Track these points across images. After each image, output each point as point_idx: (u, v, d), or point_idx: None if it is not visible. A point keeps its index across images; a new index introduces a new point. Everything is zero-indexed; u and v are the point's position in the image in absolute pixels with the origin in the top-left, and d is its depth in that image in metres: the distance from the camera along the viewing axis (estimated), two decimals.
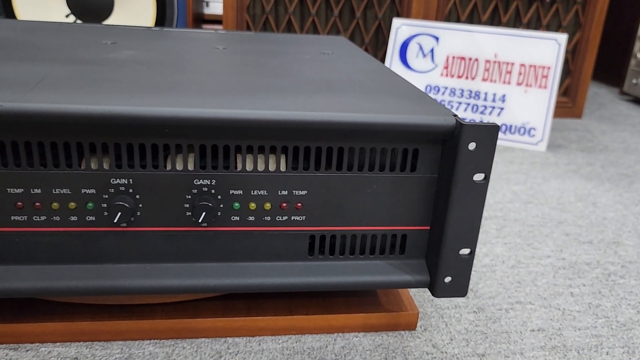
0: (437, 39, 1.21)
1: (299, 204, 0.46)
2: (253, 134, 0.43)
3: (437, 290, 0.48)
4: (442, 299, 0.60)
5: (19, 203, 0.42)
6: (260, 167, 0.44)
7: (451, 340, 0.53)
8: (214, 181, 0.44)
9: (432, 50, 1.22)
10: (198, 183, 0.44)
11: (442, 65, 1.22)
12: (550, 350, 0.52)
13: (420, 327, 0.55)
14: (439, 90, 1.23)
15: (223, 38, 0.79)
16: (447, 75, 1.22)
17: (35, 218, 0.43)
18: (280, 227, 0.47)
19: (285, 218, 0.47)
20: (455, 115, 0.44)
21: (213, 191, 0.44)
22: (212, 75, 0.52)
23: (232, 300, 0.53)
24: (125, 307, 0.50)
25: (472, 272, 0.66)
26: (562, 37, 1.15)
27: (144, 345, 0.49)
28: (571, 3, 1.34)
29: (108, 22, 1.21)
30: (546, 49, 1.15)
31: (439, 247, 0.47)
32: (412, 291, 0.61)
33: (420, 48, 1.23)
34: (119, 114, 0.40)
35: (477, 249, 0.72)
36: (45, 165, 0.42)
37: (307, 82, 0.52)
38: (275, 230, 0.47)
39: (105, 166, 0.42)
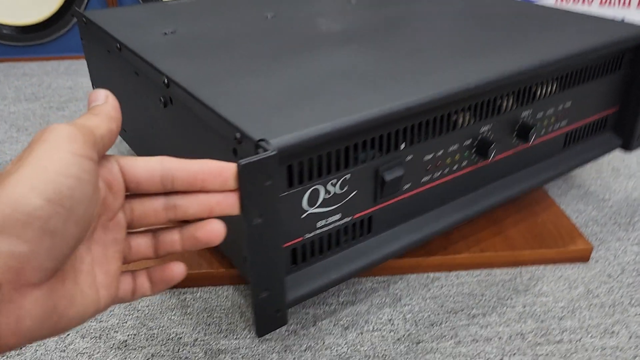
0: None
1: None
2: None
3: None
4: (604, 233, 0.67)
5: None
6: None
7: (622, 271, 0.61)
8: None
9: None
10: None
11: None
12: None
13: (592, 259, 0.62)
14: None
15: None
16: None
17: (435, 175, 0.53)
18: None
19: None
20: None
21: None
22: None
23: (429, 243, 0.62)
24: None
25: (627, 211, 0.72)
26: None
27: (363, 281, 0.59)
28: None
29: None
30: None
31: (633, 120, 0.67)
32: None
33: None
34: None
35: None
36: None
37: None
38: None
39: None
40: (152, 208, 0.33)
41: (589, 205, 0.73)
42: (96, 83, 0.79)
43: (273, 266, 0.40)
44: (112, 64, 0.66)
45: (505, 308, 0.56)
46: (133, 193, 0.33)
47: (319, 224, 0.46)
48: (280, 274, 0.41)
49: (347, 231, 0.49)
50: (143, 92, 0.59)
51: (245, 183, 0.34)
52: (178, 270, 0.36)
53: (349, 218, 0.48)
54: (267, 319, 0.43)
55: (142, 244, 0.35)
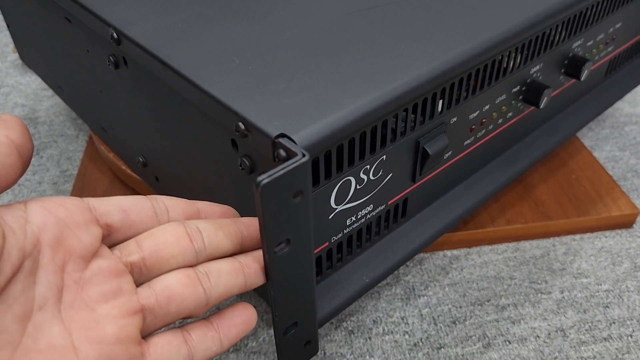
0: None
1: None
2: None
3: None
4: None
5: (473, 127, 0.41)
6: None
7: None
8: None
9: None
10: None
11: None
12: None
13: (636, 223, 0.53)
14: None
15: None
16: None
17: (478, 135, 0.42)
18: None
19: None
20: None
21: None
22: None
23: None
24: None
25: None
26: None
27: None
28: None
29: None
30: None
31: None
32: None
33: None
34: None
35: None
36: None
37: None
38: None
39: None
40: (171, 233, 0.27)
41: (626, 150, 0.62)
42: (13, 26, 0.62)
43: (303, 295, 0.30)
44: (31, 3, 0.51)
45: (539, 295, 0.46)
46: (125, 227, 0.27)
47: (348, 222, 0.35)
48: (312, 302, 0.31)
49: (380, 221, 0.38)
50: (81, 46, 0.44)
51: (268, 205, 0.24)
52: (248, 312, 0.29)
53: (382, 206, 0.37)
54: (295, 355, 0.33)
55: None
